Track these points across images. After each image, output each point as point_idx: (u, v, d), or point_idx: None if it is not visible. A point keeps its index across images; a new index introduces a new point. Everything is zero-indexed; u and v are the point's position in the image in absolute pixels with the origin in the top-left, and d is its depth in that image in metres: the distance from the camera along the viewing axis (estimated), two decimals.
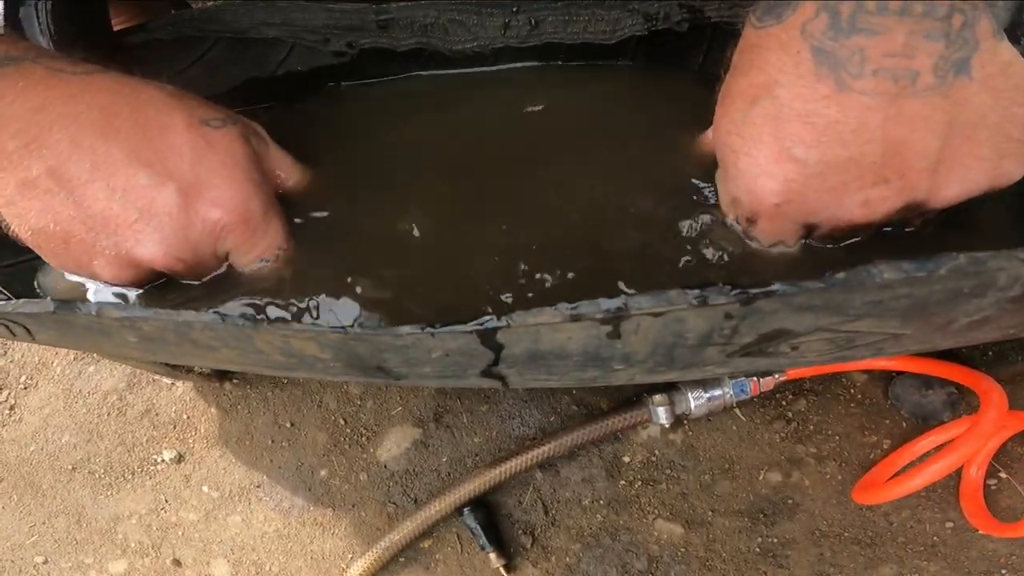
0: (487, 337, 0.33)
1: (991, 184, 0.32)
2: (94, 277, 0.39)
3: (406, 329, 0.33)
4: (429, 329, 0.33)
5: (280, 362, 0.42)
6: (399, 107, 0.64)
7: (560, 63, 0.71)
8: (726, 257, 0.39)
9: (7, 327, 0.42)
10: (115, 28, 0.63)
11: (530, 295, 0.41)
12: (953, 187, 0.32)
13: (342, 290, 0.41)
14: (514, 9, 0.68)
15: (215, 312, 0.34)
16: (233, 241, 0.37)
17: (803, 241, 0.37)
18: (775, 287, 0.29)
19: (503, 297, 0.41)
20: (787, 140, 0.31)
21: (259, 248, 0.38)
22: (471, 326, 0.32)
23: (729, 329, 0.33)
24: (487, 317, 0.32)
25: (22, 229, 0.36)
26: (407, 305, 0.41)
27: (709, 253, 0.40)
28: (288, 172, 0.42)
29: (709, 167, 0.42)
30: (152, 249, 0.35)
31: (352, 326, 0.33)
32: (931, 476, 0.55)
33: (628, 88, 0.66)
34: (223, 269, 0.40)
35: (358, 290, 0.41)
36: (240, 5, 0.62)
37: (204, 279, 0.40)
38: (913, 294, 0.29)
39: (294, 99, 0.67)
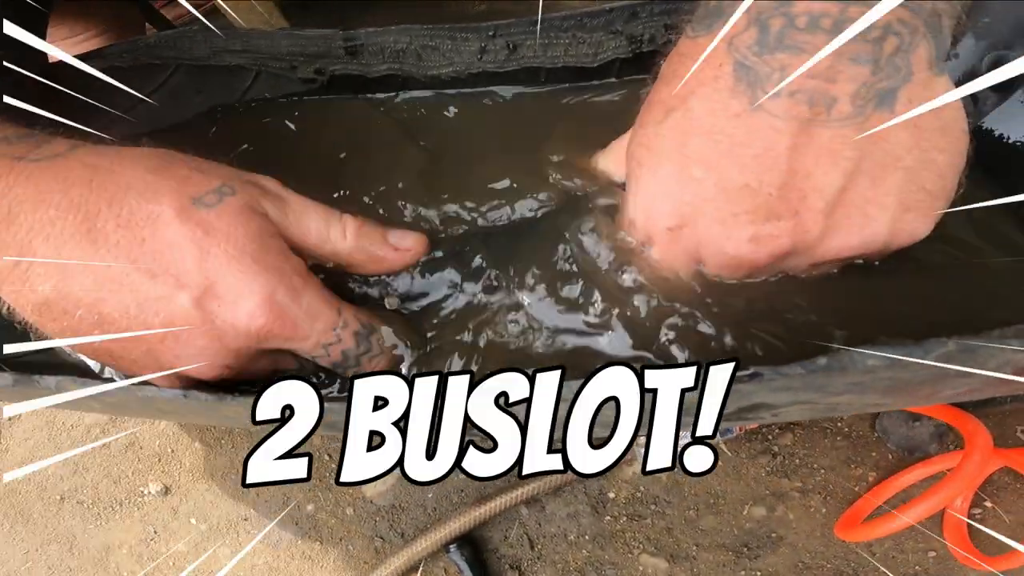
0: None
1: (888, 240, 0.29)
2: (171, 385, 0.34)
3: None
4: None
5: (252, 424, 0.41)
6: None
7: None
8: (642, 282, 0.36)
9: None
10: (81, 43, 0.60)
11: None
12: (844, 237, 0.29)
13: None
14: (490, 33, 0.65)
15: (179, 389, 0.33)
16: (277, 340, 0.32)
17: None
18: (751, 371, 0.28)
19: None
20: (690, 158, 0.29)
21: (312, 337, 0.32)
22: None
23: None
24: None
25: (80, 349, 0.33)
26: None
27: (626, 278, 0.37)
28: (320, 228, 0.35)
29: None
30: (194, 364, 0.31)
31: (328, 403, 0.32)
32: (913, 518, 0.54)
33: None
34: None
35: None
36: (197, 32, 0.58)
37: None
38: (896, 376, 0.29)
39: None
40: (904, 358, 0.26)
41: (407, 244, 0.38)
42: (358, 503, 0.67)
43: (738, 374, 0.28)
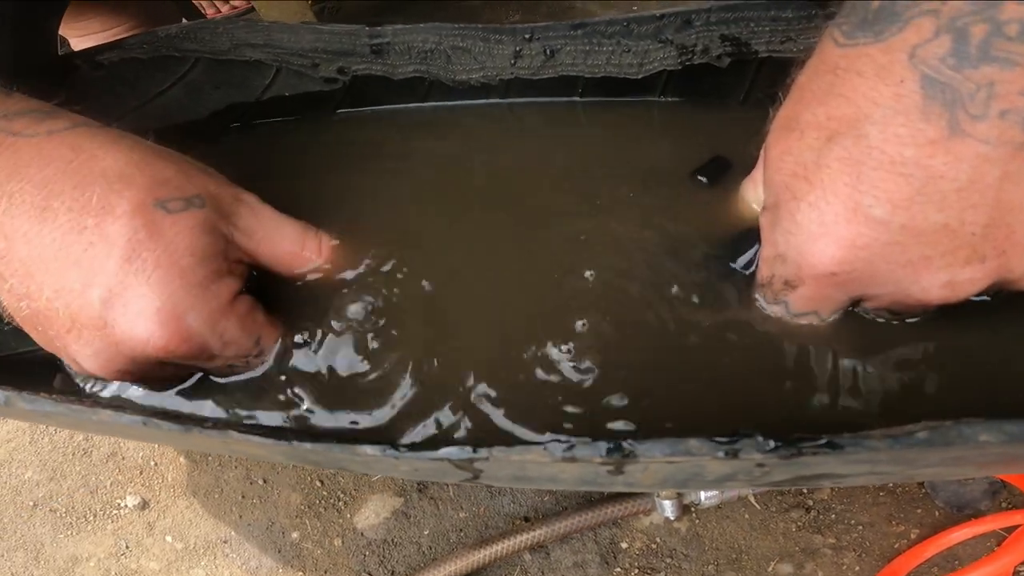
0: (463, 464, 0.27)
1: None
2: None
3: (366, 449, 0.28)
4: (392, 452, 0.27)
5: (226, 453, 0.37)
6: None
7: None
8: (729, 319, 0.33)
9: None
10: (114, 37, 0.58)
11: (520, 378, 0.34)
12: None
13: (327, 395, 0.35)
14: (527, 36, 0.61)
15: (139, 415, 0.29)
16: (179, 358, 0.31)
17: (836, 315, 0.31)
18: (824, 441, 0.23)
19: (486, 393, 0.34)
20: (868, 195, 0.25)
21: (219, 361, 0.32)
22: (441, 454, 0.27)
23: (760, 473, 0.27)
24: (461, 449, 0.26)
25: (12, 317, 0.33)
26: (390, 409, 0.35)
27: (711, 317, 0.33)
28: (294, 243, 0.35)
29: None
30: (89, 363, 0.30)
31: (297, 440, 0.28)
32: None
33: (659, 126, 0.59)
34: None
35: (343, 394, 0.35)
36: (220, 23, 0.56)
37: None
38: (1007, 452, 0.23)
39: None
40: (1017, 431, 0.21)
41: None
42: (347, 534, 0.61)
43: (809, 445, 0.23)
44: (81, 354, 0.30)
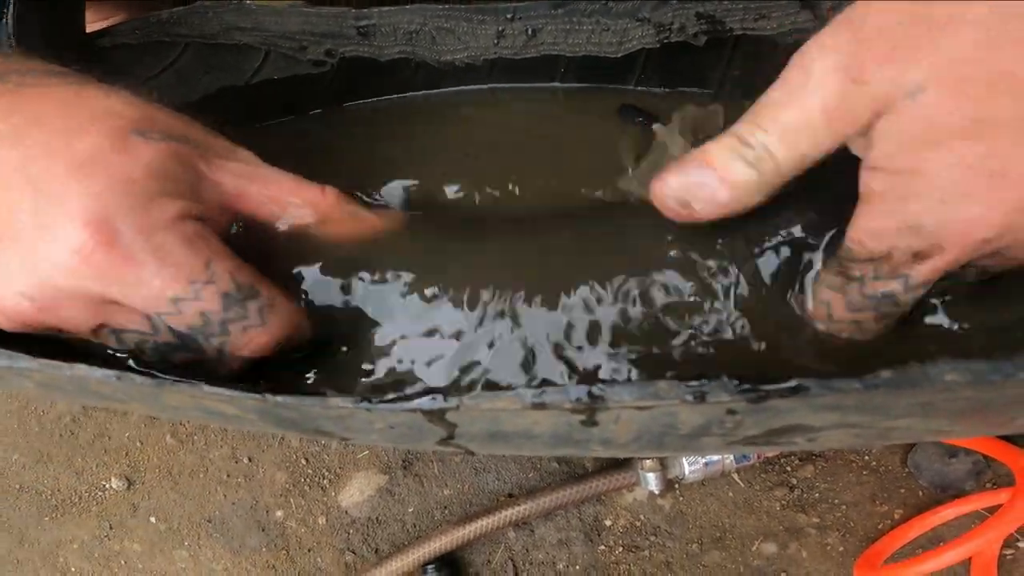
0: (434, 416, 0.27)
1: None
2: None
3: (336, 402, 0.28)
4: (364, 404, 0.27)
5: (200, 416, 0.36)
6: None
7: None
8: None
9: None
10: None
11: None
12: None
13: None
14: (509, 16, 0.62)
15: (110, 369, 0.29)
16: (104, 280, 0.27)
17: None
18: (794, 384, 0.23)
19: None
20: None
21: (154, 285, 0.27)
22: (413, 405, 0.27)
23: (732, 423, 0.27)
24: (431, 397, 0.26)
25: None
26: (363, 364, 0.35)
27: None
28: (292, 185, 0.31)
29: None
30: (10, 289, 0.27)
31: (269, 394, 0.28)
32: (953, 558, 0.50)
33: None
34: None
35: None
36: (209, 7, 0.57)
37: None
38: (977, 396, 0.23)
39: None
40: (992, 377, 0.21)
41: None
42: (332, 512, 0.62)
43: (776, 387, 0.23)
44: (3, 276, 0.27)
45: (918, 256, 0.26)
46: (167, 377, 0.29)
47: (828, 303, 0.29)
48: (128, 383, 0.29)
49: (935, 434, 0.31)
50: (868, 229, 0.26)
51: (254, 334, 0.30)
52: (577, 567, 0.57)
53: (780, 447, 0.34)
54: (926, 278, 0.26)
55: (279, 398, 0.28)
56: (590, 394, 0.24)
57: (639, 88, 0.62)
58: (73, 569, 0.67)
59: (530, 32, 0.61)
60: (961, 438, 0.51)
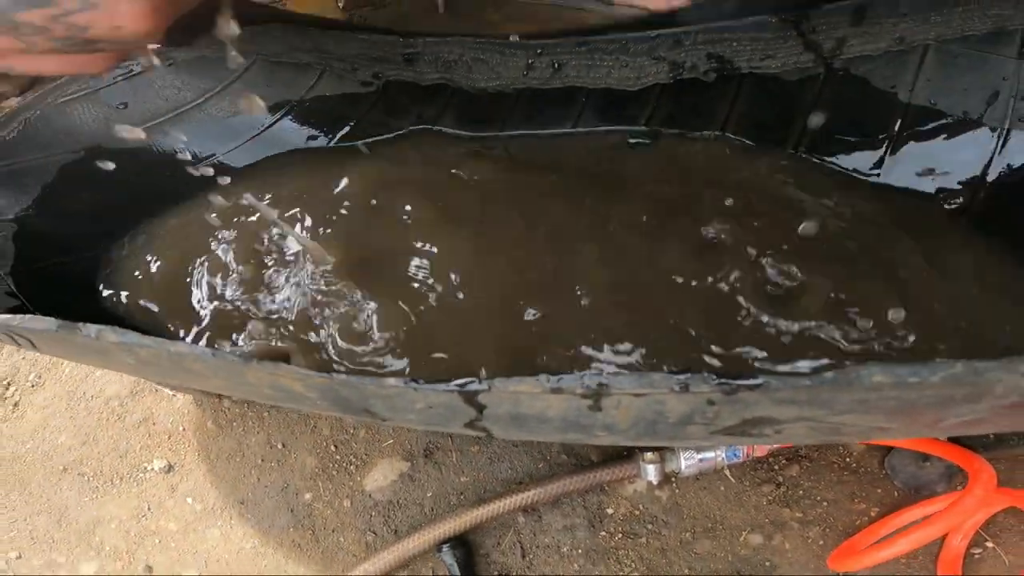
0: (469, 397, 0.33)
1: None
2: None
3: (391, 382, 0.34)
4: (412, 384, 0.33)
5: (269, 395, 0.42)
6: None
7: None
8: None
9: (12, 338, 0.42)
10: None
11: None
12: None
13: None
14: (538, 51, 0.69)
15: (208, 347, 0.35)
16: None
17: None
18: (759, 381, 0.29)
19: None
20: None
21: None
22: (452, 386, 0.32)
23: (711, 413, 0.33)
24: (469, 379, 0.32)
25: None
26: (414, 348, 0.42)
27: None
28: None
29: None
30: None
31: (337, 373, 0.34)
32: (906, 546, 0.55)
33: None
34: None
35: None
36: (276, 29, 0.65)
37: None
38: (902, 396, 0.29)
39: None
40: (911, 379, 0.26)
41: None
42: (356, 496, 0.67)
43: (743, 382, 0.29)
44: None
45: None
46: (251, 355, 0.35)
47: None
48: (220, 359, 0.35)
49: (877, 431, 0.36)
50: None
51: (96, 14, 0.32)
52: (579, 551, 0.61)
53: (754, 439, 0.39)
54: None
55: (342, 377, 0.34)
56: (597, 382, 0.30)
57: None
58: (108, 547, 0.70)
59: (556, 65, 0.68)
60: (901, 437, 0.56)
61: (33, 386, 0.83)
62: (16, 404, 0.82)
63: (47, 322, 0.38)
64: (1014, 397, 0.28)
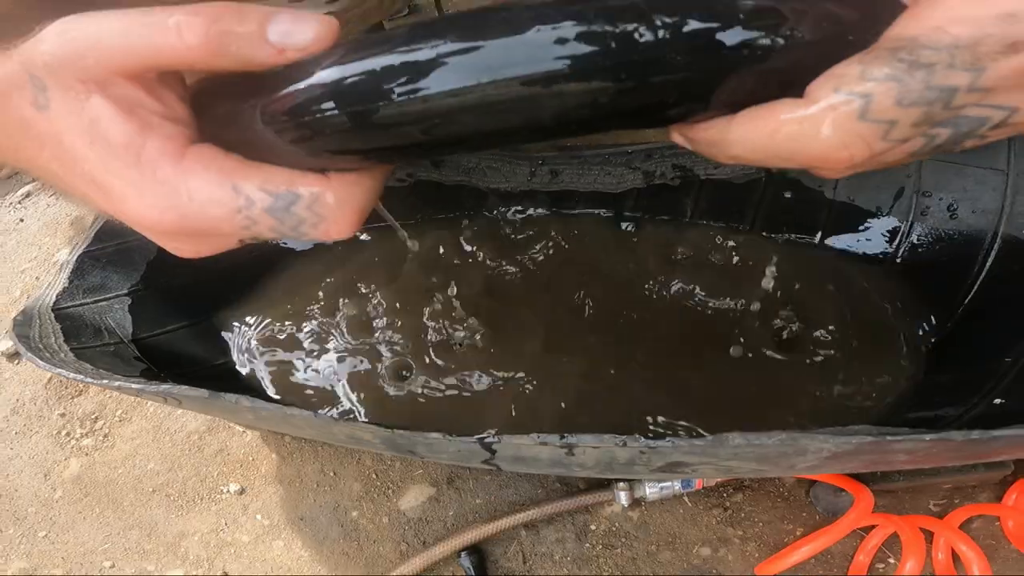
0: (485, 445, 0.51)
1: None
2: None
3: (434, 436, 0.51)
4: (448, 437, 0.51)
5: (342, 439, 0.60)
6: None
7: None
8: None
9: (165, 399, 0.60)
10: None
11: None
12: None
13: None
14: (540, 162, 0.88)
15: (308, 411, 0.52)
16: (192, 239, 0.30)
17: None
18: (667, 443, 0.46)
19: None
20: None
21: (224, 228, 0.29)
22: (474, 439, 0.50)
23: (646, 459, 0.50)
24: (485, 435, 0.49)
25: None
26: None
27: None
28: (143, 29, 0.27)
29: None
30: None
31: (397, 429, 0.51)
32: (807, 552, 0.70)
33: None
34: None
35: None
36: None
37: None
38: (757, 452, 0.46)
39: None
40: (755, 442, 0.43)
41: (299, 38, 0.27)
42: (392, 514, 0.83)
43: (657, 443, 0.46)
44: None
45: (1015, 47, 0.23)
46: (337, 417, 0.53)
47: (869, 96, 0.25)
48: (320, 421, 0.52)
49: (757, 472, 0.53)
50: (959, 18, 0.24)
51: (325, 229, 0.30)
52: (568, 559, 0.75)
53: (681, 474, 0.56)
54: (998, 78, 0.24)
55: (400, 432, 0.52)
56: (567, 441, 0.47)
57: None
58: (191, 556, 0.82)
59: (553, 173, 0.86)
60: (776, 475, 0.73)
61: (120, 420, 0.96)
62: (106, 436, 0.95)
63: (199, 392, 0.55)
64: (825, 453, 0.45)
